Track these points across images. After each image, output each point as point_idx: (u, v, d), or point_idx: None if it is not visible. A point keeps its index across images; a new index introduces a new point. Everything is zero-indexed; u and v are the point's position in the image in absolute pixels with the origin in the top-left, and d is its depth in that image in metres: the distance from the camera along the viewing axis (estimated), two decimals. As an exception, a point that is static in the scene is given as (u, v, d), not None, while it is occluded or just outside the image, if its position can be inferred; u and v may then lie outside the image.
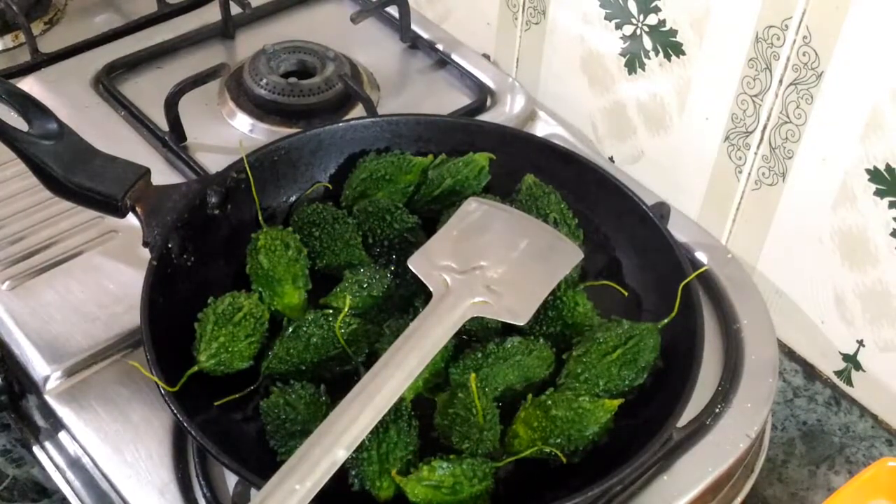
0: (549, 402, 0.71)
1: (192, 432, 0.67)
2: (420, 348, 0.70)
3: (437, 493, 0.66)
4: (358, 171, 0.87)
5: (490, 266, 0.77)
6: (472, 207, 0.82)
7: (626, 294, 0.83)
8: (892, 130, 0.78)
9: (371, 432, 0.67)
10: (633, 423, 0.73)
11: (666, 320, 0.77)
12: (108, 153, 0.82)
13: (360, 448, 0.68)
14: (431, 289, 0.75)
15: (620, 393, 0.74)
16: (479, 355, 0.74)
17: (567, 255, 0.80)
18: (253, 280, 0.79)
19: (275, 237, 0.80)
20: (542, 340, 0.76)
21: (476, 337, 0.77)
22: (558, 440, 0.70)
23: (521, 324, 0.75)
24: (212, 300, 0.76)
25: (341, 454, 0.63)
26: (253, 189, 0.83)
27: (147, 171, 0.80)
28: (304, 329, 0.74)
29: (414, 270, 0.77)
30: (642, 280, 0.84)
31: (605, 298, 0.82)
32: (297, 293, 0.79)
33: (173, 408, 0.68)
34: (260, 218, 0.83)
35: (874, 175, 0.81)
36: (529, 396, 0.73)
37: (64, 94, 1.01)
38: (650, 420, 0.71)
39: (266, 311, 0.77)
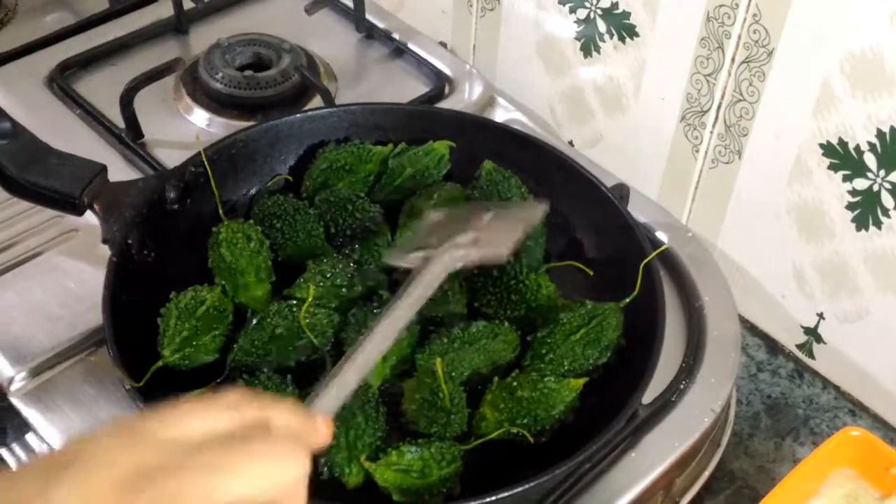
0: (515, 383, 0.72)
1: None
2: (410, 297, 0.67)
3: (407, 477, 0.67)
4: (318, 161, 0.87)
5: (462, 237, 0.76)
6: (433, 215, 0.82)
7: (591, 273, 0.83)
8: (843, 105, 0.79)
9: (338, 419, 0.67)
10: (598, 402, 0.74)
11: (627, 299, 0.78)
12: (63, 151, 0.81)
13: None
14: (410, 266, 0.74)
15: (585, 372, 0.75)
16: (445, 340, 0.74)
17: (532, 209, 0.81)
18: (216, 273, 0.79)
19: (236, 230, 0.79)
20: (506, 324, 0.77)
21: (441, 322, 0.77)
22: (525, 420, 0.71)
23: (504, 256, 0.73)
24: (174, 295, 0.76)
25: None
26: (212, 182, 0.82)
27: (103, 168, 0.80)
28: (269, 320, 0.74)
29: (390, 262, 0.76)
30: (604, 261, 0.84)
31: (567, 280, 0.83)
32: (261, 285, 0.79)
33: (139, 403, 0.68)
34: (220, 211, 0.82)
35: (827, 149, 0.82)
36: (495, 379, 0.73)
37: (17, 94, 1.00)
38: (615, 398, 0.72)
39: (230, 303, 0.77)
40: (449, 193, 0.85)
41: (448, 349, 0.74)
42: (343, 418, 0.69)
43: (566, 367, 0.74)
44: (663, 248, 0.85)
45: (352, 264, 0.80)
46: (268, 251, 0.80)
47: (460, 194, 0.86)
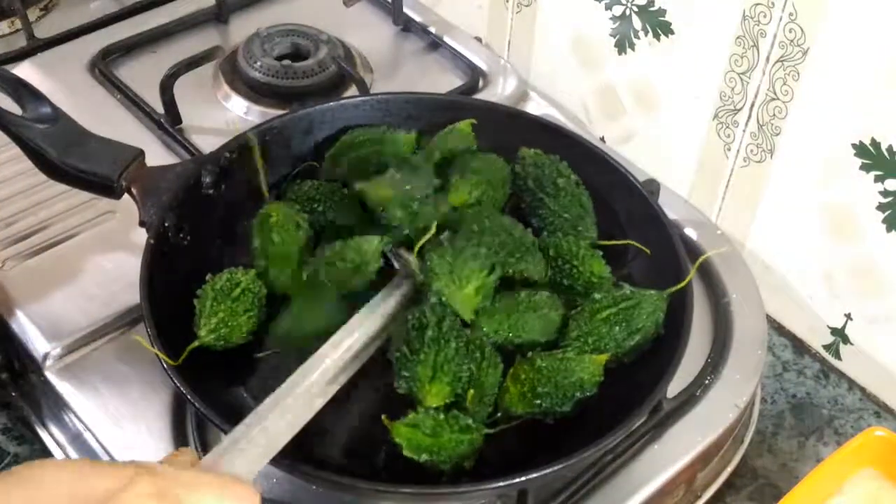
0: (537, 357, 0.73)
1: (196, 404, 0.67)
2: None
3: (416, 432, 0.67)
4: (337, 144, 0.87)
5: None
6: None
7: (649, 253, 0.82)
8: (876, 105, 0.80)
9: (432, 340, 0.69)
10: (622, 394, 0.73)
11: (673, 289, 0.76)
12: (102, 136, 0.82)
13: (417, 350, 0.70)
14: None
15: (612, 353, 0.74)
16: (512, 301, 0.75)
17: None
18: (258, 255, 0.79)
19: (288, 217, 0.80)
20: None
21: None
22: (546, 389, 0.71)
23: None
24: (210, 277, 0.77)
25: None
26: (259, 160, 0.83)
27: (141, 153, 0.81)
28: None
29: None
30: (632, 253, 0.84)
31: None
32: (300, 274, 0.79)
33: (176, 380, 0.69)
34: (265, 191, 0.83)
35: (860, 150, 0.82)
36: (519, 357, 0.74)
37: (60, 78, 1.02)
38: (639, 390, 0.72)
39: (263, 286, 0.78)
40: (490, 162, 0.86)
41: (514, 309, 0.75)
42: (436, 340, 0.70)
43: (591, 345, 0.74)
44: (705, 256, 0.86)
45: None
46: (311, 241, 0.81)
47: (502, 166, 0.86)
